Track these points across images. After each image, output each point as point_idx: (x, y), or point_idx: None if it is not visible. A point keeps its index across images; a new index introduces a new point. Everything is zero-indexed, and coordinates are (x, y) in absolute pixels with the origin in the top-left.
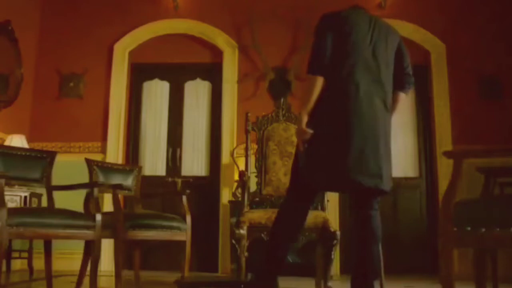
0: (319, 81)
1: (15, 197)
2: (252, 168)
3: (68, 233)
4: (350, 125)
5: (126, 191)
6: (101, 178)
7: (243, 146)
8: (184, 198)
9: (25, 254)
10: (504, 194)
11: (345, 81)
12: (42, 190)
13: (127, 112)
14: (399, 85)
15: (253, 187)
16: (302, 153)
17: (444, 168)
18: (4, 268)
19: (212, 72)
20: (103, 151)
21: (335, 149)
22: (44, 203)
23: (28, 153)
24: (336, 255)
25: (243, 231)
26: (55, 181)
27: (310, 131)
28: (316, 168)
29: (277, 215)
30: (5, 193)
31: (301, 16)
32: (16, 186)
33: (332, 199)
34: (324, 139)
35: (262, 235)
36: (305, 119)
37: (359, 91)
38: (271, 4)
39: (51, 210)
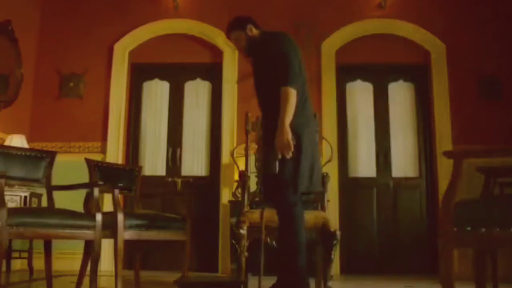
0: (296, 95)
1: (15, 197)
2: (252, 168)
3: (68, 233)
4: (314, 138)
5: (126, 191)
6: (101, 178)
7: (243, 146)
8: (184, 198)
9: (25, 254)
10: (504, 194)
11: (304, 97)
12: (42, 190)
13: (127, 112)
14: None
15: (253, 187)
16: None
17: (444, 168)
18: (4, 268)
19: (212, 72)
20: (103, 151)
21: (311, 159)
22: (44, 203)
23: (28, 153)
24: (336, 255)
25: (243, 231)
26: (55, 181)
27: (294, 142)
28: (302, 175)
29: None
30: (5, 193)
31: (301, 16)
32: (16, 186)
33: (332, 199)
34: (305, 150)
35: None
36: (289, 131)
37: (311, 106)
38: (271, 5)
39: (51, 210)
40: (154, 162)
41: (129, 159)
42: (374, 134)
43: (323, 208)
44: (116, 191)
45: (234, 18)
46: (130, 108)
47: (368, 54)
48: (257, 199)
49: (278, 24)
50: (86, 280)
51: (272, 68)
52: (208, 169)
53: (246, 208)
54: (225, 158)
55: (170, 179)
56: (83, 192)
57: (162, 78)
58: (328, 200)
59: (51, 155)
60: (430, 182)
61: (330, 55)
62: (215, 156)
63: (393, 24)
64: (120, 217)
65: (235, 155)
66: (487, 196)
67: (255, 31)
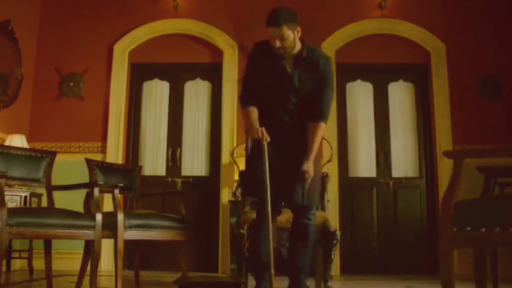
0: None
1: (15, 197)
2: None
3: (68, 233)
4: None
5: (126, 191)
6: (101, 178)
7: (243, 146)
8: (184, 198)
9: (25, 254)
10: (504, 194)
11: None
12: (42, 190)
13: (127, 112)
14: None
15: None
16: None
17: (444, 168)
18: (4, 268)
19: (212, 72)
20: (103, 151)
21: None
22: (44, 203)
23: (28, 153)
24: (336, 255)
25: (243, 231)
26: (55, 181)
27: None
28: None
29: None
30: (5, 193)
31: (301, 15)
32: (16, 186)
33: (332, 199)
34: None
35: None
36: None
37: None
38: (271, 4)
39: (51, 210)
40: (154, 162)
41: (129, 159)
42: (374, 134)
43: (323, 208)
44: (116, 191)
45: (288, 9)
46: (130, 108)
47: (368, 54)
48: (256, 199)
49: None
50: (86, 280)
51: (313, 90)
52: (208, 169)
53: (246, 208)
54: (225, 158)
55: (170, 179)
56: (83, 192)
57: (162, 78)
58: (328, 200)
59: (51, 155)
60: (430, 182)
61: (330, 55)
62: (215, 156)
63: (393, 24)
64: (120, 217)
65: (235, 155)
66: (487, 196)
67: (298, 37)
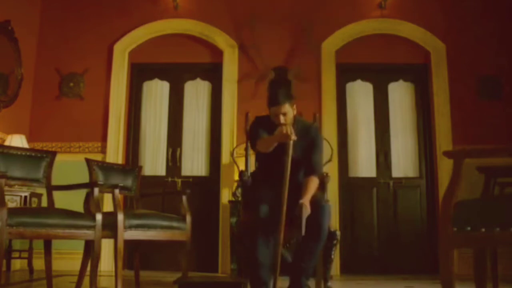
0: None
1: (15, 197)
2: (252, 168)
3: (68, 233)
4: None
5: (126, 191)
6: (101, 178)
7: (243, 146)
8: (184, 198)
9: (25, 254)
10: (504, 194)
11: None
12: (42, 190)
13: (127, 112)
14: None
15: None
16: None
17: (444, 168)
18: (4, 268)
19: (212, 72)
20: (103, 151)
21: None
22: (44, 203)
23: (28, 153)
24: (336, 255)
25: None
26: (55, 181)
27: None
28: None
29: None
30: (5, 193)
31: (301, 15)
32: (16, 186)
33: (332, 199)
34: None
35: None
36: None
37: None
38: (271, 4)
39: (51, 210)
40: (154, 162)
41: (129, 159)
42: (374, 134)
43: None
44: (116, 191)
45: (285, 89)
46: (130, 108)
47: (368, 54)
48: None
49: (278, 23)
50: (86, 280)
51: (308, 153)
52: (208, 169)
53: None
54: (225, 158)
55: (170, 179)
56: (83, 192)
57: (162, 78)
58: (328, 200)
59: (51, 155)
60: (430, 182)
61: (330, 55)
62: (215, 156)
63: (393, 24)
64: (120, 217)
65: (235, 155)
66: (487, 196)
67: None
